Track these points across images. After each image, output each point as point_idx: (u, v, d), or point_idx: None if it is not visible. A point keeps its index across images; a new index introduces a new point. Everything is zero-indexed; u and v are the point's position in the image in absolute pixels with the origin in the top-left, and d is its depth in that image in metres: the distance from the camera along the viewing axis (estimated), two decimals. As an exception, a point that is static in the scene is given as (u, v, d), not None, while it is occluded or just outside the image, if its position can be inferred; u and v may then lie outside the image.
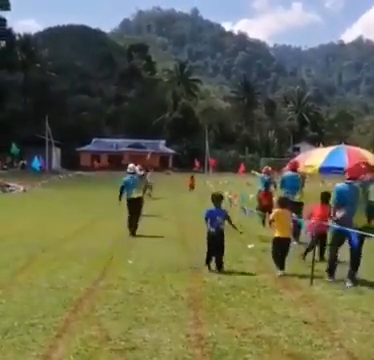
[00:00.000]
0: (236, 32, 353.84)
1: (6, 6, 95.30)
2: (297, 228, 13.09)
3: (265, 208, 16.80)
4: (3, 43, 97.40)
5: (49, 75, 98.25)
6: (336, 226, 9.98)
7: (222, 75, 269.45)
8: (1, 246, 13.52)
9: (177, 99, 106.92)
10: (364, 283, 9.66)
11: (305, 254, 11.52)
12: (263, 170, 19.05)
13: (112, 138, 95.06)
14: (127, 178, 17.43)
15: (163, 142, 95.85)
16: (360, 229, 9.58)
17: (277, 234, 10.48)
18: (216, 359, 5.79)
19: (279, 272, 10.18)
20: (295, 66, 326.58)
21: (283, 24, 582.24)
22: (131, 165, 18.15)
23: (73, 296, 8.41)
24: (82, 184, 46.92)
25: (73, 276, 9.92)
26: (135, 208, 17.13)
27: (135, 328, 6.83)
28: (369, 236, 9.31)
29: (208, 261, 10.71)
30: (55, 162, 76.31)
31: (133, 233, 16.30)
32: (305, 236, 13.02)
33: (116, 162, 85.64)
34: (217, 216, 10.82)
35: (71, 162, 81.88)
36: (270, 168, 19.08)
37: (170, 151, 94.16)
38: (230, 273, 10.32)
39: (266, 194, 18.07)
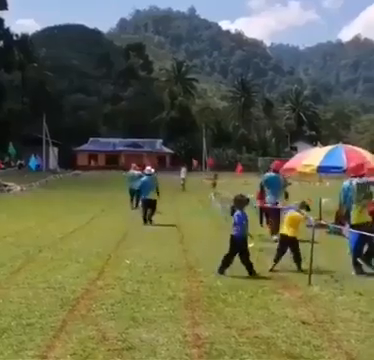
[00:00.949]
0: (233, 31, 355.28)
1: (3, 6, 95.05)
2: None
3: (262, 208, 16.84)
4: (1, 43, 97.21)
5: (46, 74, 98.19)
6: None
7: (219, 74, 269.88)
8: (-2, 246, 13.51)
9: (174, 98, 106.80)
10: (362, 284, 9.65)
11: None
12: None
13: (109, 137, 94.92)
14: (145, 179, 19.82)
15: (160, 141, 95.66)
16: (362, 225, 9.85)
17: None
18: (213, 359, 5.76)
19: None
20: (292, 65, 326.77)
21: (281, 23, 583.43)
22: (148, 167, 20.62)
23: (70, 296, 8.39)
24: (79, 184, 46.91)
25: (70, 276, 9.89)
26: (151, 207, 19.25)
27: (132, 328, 6.80)
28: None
29: (226, 267, 10.25)
30: (52, 161, 76.27)
31: (150, 220, 19.01)
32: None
33: (113, 161, 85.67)
34: (243, 221, 10.36)
35: (68, 161, 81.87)
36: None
37: (167, 150, 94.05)
38: (227, 273, 10.29)
39: (262, 193, 18.05)
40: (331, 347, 6.24)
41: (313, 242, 9.55)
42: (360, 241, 10.42)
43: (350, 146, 20.25)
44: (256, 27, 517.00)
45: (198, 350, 5.99)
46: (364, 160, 15.58)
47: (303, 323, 7.15)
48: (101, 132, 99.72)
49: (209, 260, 11.33)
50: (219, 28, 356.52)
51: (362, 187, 10.57)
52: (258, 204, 17.08)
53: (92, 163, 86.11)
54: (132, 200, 25.49)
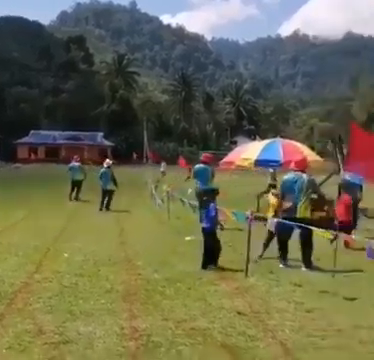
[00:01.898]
0: (174, 25, 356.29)
1: None
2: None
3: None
4: None
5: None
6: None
7: (160, 68, 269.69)
8: None
9: (115, 91, 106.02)
10: (298, 275, 9.85)
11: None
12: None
13: (50, 130, 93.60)
14: (104, 170, 22.08)
15: (101, 134, 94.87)
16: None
17: None
18: (150, 351, 5.80)
19: None
20: (233, 59, 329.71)
21: (221, 17, 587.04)
22: (108, 160, 23.27)
23: (8, 289, 8.33)
24: (19, 177, 46.17)
25: (8, 269, 9.79)
26: (109, 197, 21.56)
27: (69, 321, 6.78)
28: (311, 228, 9.67)
29: (209, 263, 10.22)
30: (-7, 154, 74.91)
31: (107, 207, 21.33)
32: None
33: (53, 155, 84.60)
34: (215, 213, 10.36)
35: (9, 154, 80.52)
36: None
37: (108, 143, 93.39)
38: (166, 265, 10.35)
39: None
40: (266, 337, 6.36)
41: (250, 234, 9.65)
42: (284, 232, 10.63)
43: (287, 140, 20.61)
44: (197, 21, 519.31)
45: (135, 342, 6.04)
46: (302, 154, 15.88)
47: (239, 314, 7.26)
48: (42, 125, 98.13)
49: (148, 253, 11.39)
50: (160, 22, 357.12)
51: (311, 183, 10.78)
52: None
53: (32, 156, 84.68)
54: (72, 192, 25.42)
